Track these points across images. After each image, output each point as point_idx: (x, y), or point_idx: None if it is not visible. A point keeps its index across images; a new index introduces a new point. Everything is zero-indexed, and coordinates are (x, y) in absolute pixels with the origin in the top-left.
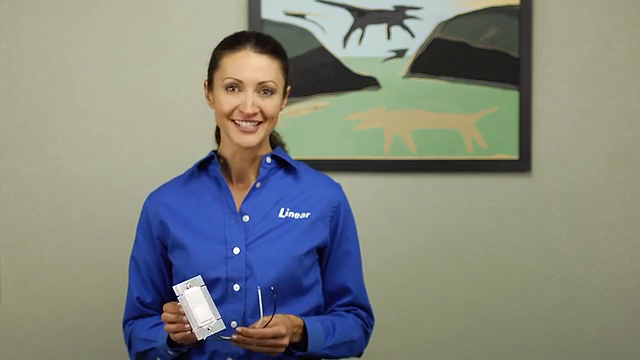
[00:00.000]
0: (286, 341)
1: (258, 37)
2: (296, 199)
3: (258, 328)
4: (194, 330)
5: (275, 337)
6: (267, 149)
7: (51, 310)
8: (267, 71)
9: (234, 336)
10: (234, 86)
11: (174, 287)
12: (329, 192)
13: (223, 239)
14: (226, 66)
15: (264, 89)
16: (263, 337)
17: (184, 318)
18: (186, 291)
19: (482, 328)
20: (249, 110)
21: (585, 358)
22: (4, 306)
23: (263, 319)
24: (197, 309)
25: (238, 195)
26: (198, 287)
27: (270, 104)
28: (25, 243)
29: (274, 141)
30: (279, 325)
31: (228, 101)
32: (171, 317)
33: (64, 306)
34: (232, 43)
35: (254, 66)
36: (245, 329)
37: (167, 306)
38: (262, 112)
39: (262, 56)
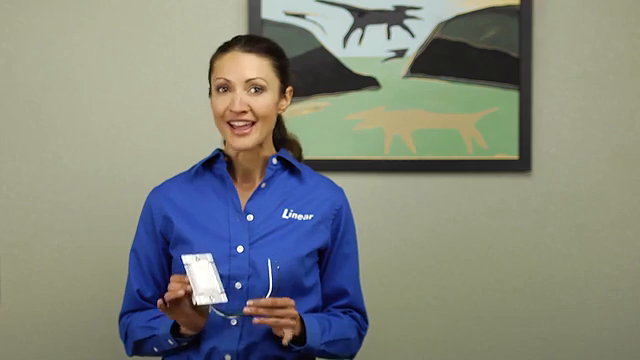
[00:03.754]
0: (295, 312)
1: (249, 38)
2: (300, 201)
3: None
4: (196, 296)
5: (285, 307)
6: (271, 150)
7: (51, 310)
8: (255, 69)
9: (246, 309)
10: (224, 87)
11: (182, 257)
12: (332, 195)
13: (227, 237)
14: (217, 68)
15: (253, 87)
16: (274, 305)
17: (188, 287)
18: (194, 262)
19: (482, 328)
20: (237, 108)
21: (585, 358)
22: (4, 306)
23: (269, 296)
24: (202, 279)
25: (243, 194)
26: (207, 262)
27: (260, 102)
28: (25, 243)
29: (286, 144)
30: (287, 297)
31: (220, 102)
32: (176, 286)
33: (64, 306)
34: (223, 46)
35: (242, 65)
36: (256, 300)
37: (174, 276)
38: (252, 111)
39: (250, 55)
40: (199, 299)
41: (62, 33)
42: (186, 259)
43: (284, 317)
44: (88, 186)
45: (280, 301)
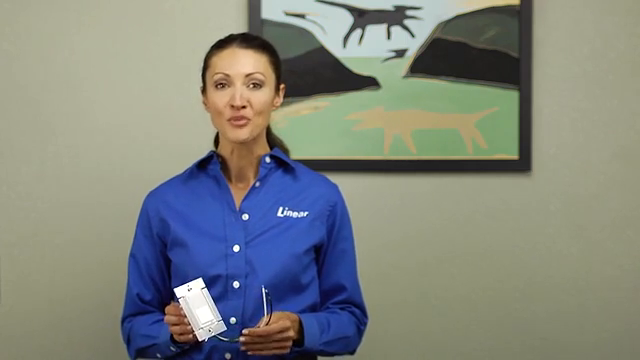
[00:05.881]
0: (292, 333)
1: (244, 36)
2: (294, 198)
3: (262, 327)
4: (196, 332)
5: (282, 331)
6: (265, 149)
7: (51, 310)
8: (254, 64)
9: (242, 338)
10: (223, 82)
11: (175, 289)
12: (326, 192)
13: (223, 237)
14: (215, 64)
15: (252, 82)
16: (270, 334)
17: (185, 320)
18: (187, 293)
19: (482, 328)
20: (238, 102)
21: (585, 358)
22: (4, 306)
23: (264, 319)
24: (198, 311)
25: (237, 194)
26: (199, 289)
27: (259, 97)
28: (25, 243)
29: (275, 143)
30: (282, 319)
31: (219, 97)
32: (173, 319)
33: (64, 306)
34: (219, 43)
35: (241, 60)
36: (252, 329)
37: (169, 308)
38: (251, 106)
39: (248, 50)
40: (200, 334)
41: (62, 33)
42: (179, 292)
43: (280, 342)
44: (88, 186)
45: (276, 328)
